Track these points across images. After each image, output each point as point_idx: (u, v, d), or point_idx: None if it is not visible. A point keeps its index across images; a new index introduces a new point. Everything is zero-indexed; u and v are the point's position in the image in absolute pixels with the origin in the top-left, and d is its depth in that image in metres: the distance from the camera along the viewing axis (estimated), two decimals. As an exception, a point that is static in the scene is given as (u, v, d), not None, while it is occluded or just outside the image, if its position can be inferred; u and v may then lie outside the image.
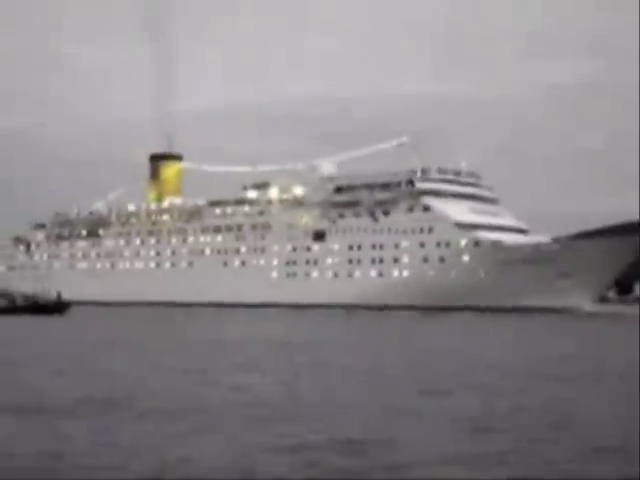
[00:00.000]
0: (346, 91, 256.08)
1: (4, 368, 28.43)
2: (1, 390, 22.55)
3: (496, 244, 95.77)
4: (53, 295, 79.75)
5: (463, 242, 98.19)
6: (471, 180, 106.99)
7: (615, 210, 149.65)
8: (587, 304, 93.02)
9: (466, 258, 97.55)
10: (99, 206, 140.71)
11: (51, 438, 15.32)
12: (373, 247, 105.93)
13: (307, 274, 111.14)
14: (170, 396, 21.16)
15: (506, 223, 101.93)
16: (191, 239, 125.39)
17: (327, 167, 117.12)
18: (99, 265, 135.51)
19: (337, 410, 18.83)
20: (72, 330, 54.87)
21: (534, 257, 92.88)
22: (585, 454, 14.05)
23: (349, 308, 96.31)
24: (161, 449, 14.34)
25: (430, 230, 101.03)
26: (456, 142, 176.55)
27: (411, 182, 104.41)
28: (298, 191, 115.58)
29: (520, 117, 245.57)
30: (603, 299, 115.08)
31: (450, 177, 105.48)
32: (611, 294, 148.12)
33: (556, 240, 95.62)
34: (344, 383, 24.10)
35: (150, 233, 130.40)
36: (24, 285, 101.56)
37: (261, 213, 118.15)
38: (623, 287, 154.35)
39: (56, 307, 76.32)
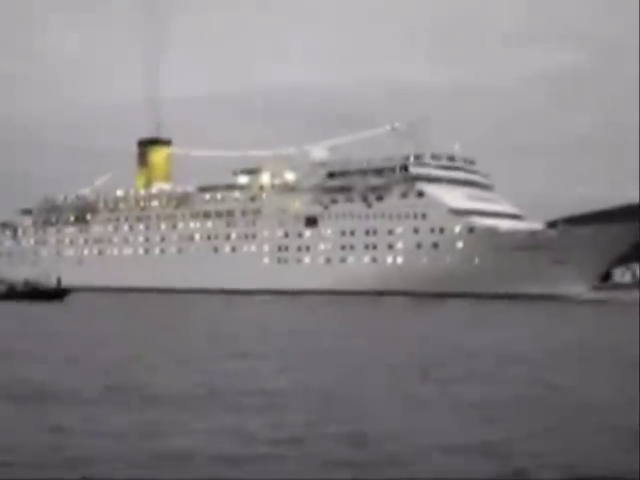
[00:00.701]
0: (335, 80, 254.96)
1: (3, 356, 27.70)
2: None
3: (491, 230, 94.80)
4: (53, 281, 78.57)
5: (457, 228, 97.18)
6: (465, 166, 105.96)
7: (595, 196, 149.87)
8: (583, 291, 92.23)
9: (460, 244, 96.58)
10: (86, 192, 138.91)
11: (51, 428, 14.78)
12: (366, 233, 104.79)
13: (299, 260, 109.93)
14: (170, 384, 20.53)
15: (501, 209, 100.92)
16: (181, 225, 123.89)
17: (318, 152, 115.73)
18: (87, 251, 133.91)
19: (338, 399, 18.27)
20: (72, 317, 54.03)
21: (529, 243, 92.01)
22: (589, 443, 13.76)
23: (342, 294, 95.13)
24: (159, 439, 13.94)
25: (424, 216, 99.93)
26: (444, 131, 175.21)
27: (405, 167, 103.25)
28: (289, 176, 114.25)
29: (509, 106, 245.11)
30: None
31: (444, 163, 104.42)
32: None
33: (551, 224, 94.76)
34: (343, 371, 23.49)
35: (139, 219, 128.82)
36: (14, 271, 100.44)
37: (252, 199, 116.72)
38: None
39: (56, 293, 75.31)
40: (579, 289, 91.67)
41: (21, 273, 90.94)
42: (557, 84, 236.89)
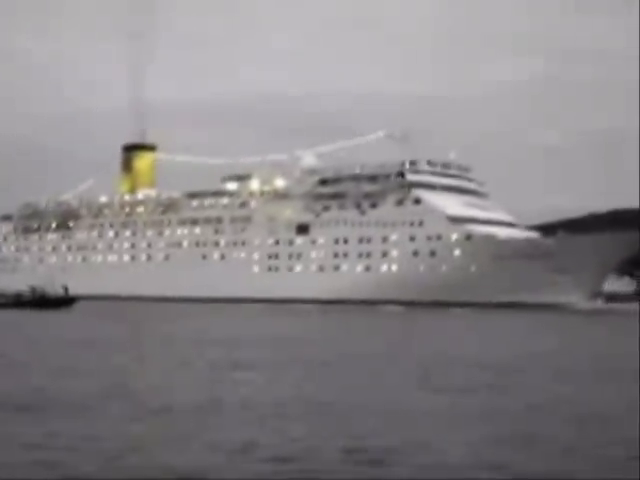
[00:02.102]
0: (319, 88, 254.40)
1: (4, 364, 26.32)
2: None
3: (488, 238, 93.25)
4: (58, 289, 77.81)
5: (454, 236, 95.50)
6: (461, 173, 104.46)
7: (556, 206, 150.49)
8: (581, 300, 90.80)
9: (457, 252, 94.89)
10: (68, 198, 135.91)
11: (49, 443, 13.41)
12: (360, 241, 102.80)
13: (290, 268, 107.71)
14: (170, 394, 19.21)
15: (497, 217, 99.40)
16: (168, 232, 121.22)
17: (308, 159, 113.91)
18: (70, 258, 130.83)
19: (349, 412, 16.99)
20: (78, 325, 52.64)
21: (528, 251, 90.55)
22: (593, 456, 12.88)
23: (335, 304, 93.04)
24: (154, 453, 12.73)
25: (420, 223, 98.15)
26: (436, 139, 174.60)
27: (401, 174, 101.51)
28: (280, 183, 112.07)
29: (483, 115, 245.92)
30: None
31: (440, 170, 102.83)
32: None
33: (546, 230, 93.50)
34: (344, 382, 22.26)
35: (124, 225, 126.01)
36: (13, 279, 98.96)
37: (242, 205, 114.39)
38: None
39: (64, 301, 75.36)
40: (578, 298, 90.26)
41: (14, 280, 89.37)
42: (517, 93, 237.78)
